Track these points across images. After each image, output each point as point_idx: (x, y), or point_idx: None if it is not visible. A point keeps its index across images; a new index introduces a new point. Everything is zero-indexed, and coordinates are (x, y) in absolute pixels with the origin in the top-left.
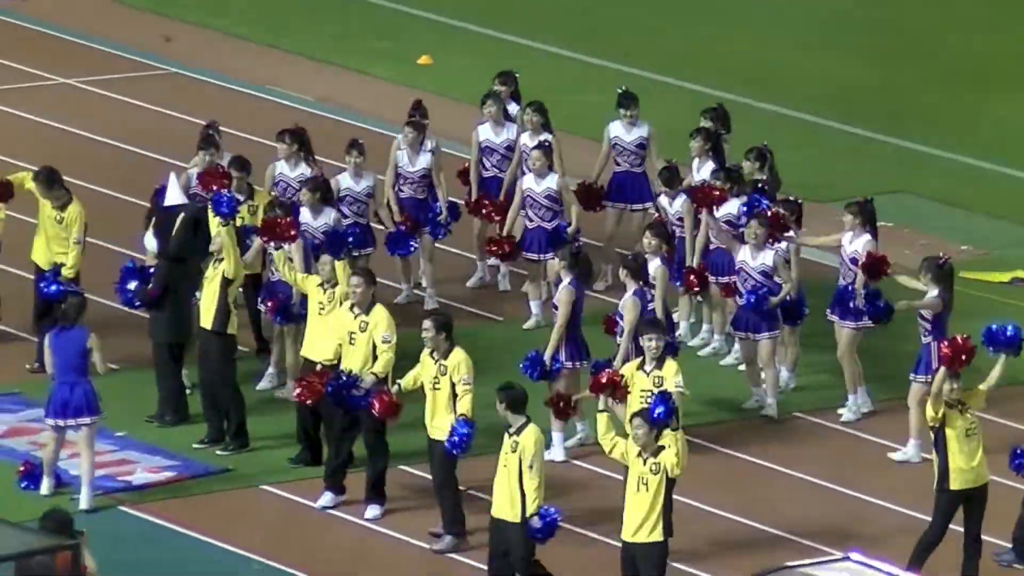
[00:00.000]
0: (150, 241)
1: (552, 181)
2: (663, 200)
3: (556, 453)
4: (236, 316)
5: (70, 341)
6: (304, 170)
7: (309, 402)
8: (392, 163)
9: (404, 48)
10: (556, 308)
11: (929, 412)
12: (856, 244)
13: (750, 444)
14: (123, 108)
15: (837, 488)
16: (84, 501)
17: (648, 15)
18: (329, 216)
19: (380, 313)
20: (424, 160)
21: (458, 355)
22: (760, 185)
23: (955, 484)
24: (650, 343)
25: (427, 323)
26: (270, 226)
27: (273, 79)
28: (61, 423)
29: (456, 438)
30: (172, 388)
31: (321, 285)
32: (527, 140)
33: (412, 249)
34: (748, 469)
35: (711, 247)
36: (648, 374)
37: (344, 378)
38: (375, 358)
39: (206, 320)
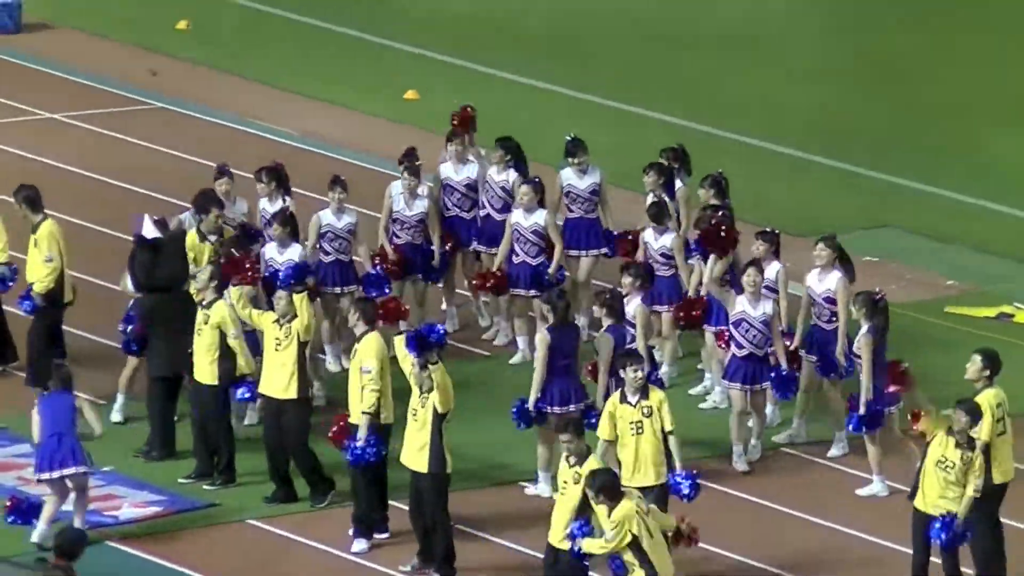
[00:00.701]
0: (125, 281)
1: (540, 217)
2: (649, 235)
3: (543, 489)
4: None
5: (58, 404)
6: (284, 206)
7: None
8: (387, 208)
9: (391, 83)
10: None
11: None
12: (828, 283)
13: (737, 479)
14: (108, 142)
15: (817, 520)
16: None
17: (634, 49)
18: (295, 252)
19: (368, 342)
20: (421, 205)
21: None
22: (721, 211)
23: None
24: (633, 374)
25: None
26: (235, 264)
27: (260, 113)
28: (46, 476)
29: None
30: (164, 424)
31: (277, 321)
32: (493, 174)
33: (387, 291)
34: (732, 504)
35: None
36: (635, 405)
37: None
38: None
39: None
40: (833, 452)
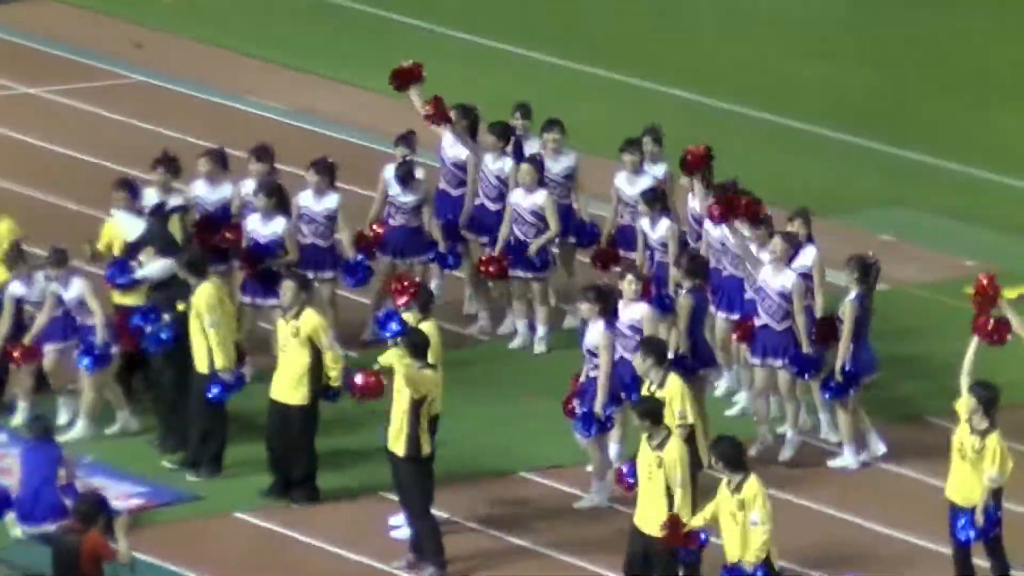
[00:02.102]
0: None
1: (540, 197)
2: (644, 223)
3: (598, 499)
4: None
5: (40, 456)
6: (271, 177)
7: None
8: (380, 192)
9: (388, 56)
10: (593, 354)
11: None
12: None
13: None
14: (90, 119)
15: (839, 515)
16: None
17: (642, 22)
18: (279, 225)
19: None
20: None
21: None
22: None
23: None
24: (642, 362)
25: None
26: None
27: (250, 88)
28: (27, 529)
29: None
30: (178, 414)
31: (283, 316)
32: (488, 162)
33: (366, 280)
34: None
35: (723, 273)
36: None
37: None
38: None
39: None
40: (862, 457)
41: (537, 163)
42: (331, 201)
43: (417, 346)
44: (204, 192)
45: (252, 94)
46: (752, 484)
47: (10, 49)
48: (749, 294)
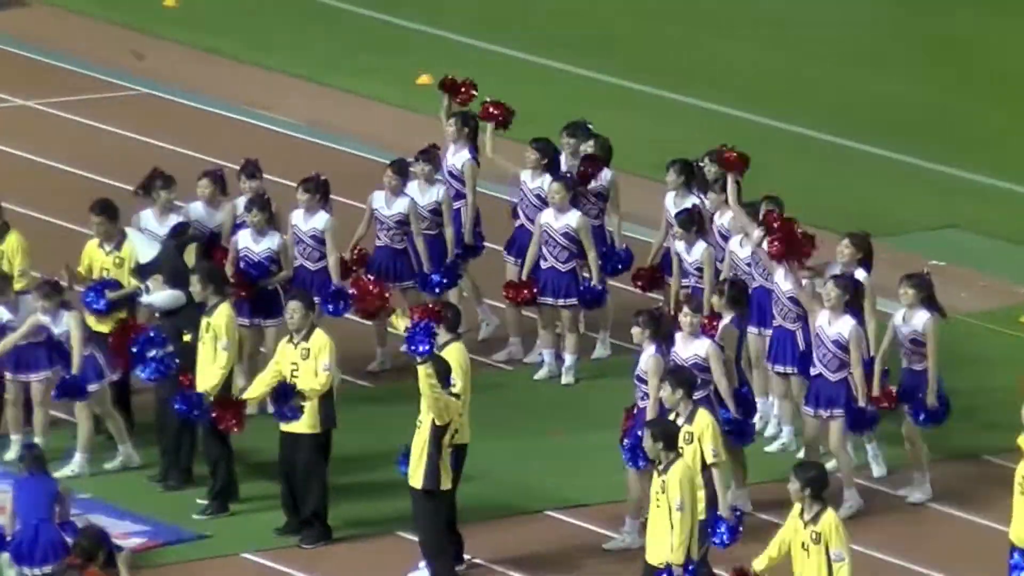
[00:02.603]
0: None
1: (573, 218)
2: (680, 246)
3: (631, 538)
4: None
5: (36, 490)
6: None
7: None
8: (366, 216)
9: (401, 66)
10: (643, 380)
11: None
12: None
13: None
14: (89, 132)
15: (889, 559)
16: None
17: (666, 28)
18: (273, 240)
19: (450, 352)
20: (401, 205)
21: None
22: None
23: None
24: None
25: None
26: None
27: (257, 100)
28: (26, 571)
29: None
30: (183, 449)
31: (290, 340)
32: (527, 179)
33: (344, 309)
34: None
35: (753, 284)
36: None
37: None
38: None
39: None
40: (917, 497)
41: (568, 181)
42: (319, 221)
43: (440, 373)
44: (203, 215)
45: (259, 106)
46: (830, 516)
47: (4, 58)
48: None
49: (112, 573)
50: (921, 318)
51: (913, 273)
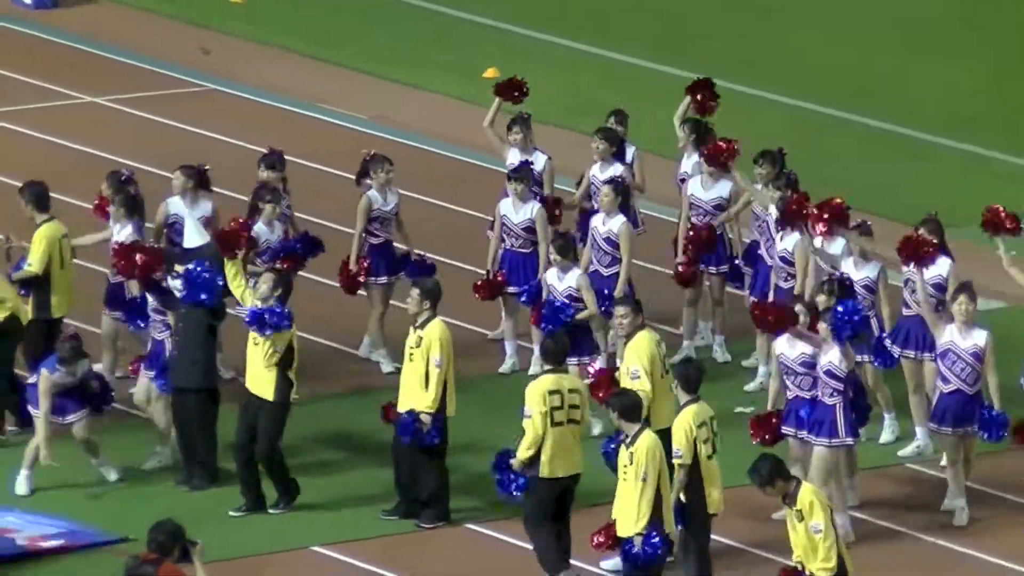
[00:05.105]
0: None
1: (616, 223)
2: (815, 243)
3: None
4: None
5: None
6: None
7: None
8: (363, 217)
9: (468, 60)
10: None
11: None
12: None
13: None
14: (155, 128)
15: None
16: None
17: (734, 21)
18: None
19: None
20: (395, 199)
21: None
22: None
23: None
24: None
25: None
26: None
27: (322, 95)
28: None
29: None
30: (206, 446)
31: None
32: (597, 171)
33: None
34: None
35: (905, 313)
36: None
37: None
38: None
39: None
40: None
41: (617, 185)
42: (278, 231)
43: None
44: (182, 210)
45: (324, 101)
46: (805, 492)
47: (72, 55)
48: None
49: (188, 568)
50: (945, 265)
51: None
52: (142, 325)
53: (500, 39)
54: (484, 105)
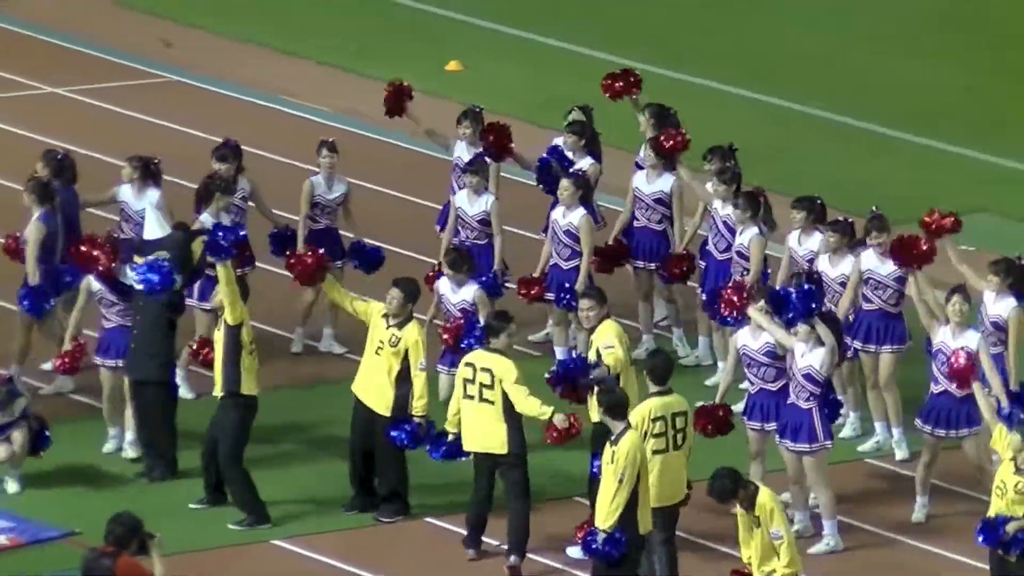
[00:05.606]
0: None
1: (576, 217)
2: (791, 240)
3: None
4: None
5: None
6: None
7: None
8: (305, 202)
9: (436, 54)
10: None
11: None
12: (999, 307)
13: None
14: (117, 119)
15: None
16: None
17: (700, 12)
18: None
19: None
20: (341, 188)
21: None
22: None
23: None
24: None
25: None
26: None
27: (286, 88)
28: None
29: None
30: (166, 436)
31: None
32: (462, 153)
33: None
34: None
35: (865, 307)
36: None
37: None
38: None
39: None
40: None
41: (578, 177)
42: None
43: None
44: (130, 199)
45: (289, 94)
46: (763, 497)
47: (31, 45)
48: None
49: (145, 560)
50: (1007, 305)
51: (1001, 259)
52: (47, 307)
53: (469, 33)
54: (451, 99)
